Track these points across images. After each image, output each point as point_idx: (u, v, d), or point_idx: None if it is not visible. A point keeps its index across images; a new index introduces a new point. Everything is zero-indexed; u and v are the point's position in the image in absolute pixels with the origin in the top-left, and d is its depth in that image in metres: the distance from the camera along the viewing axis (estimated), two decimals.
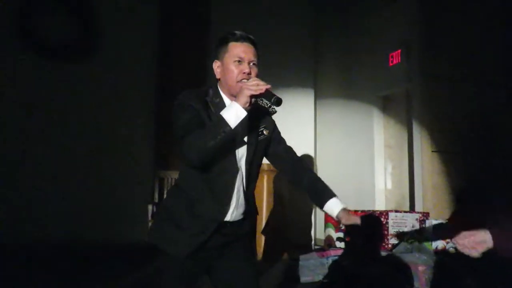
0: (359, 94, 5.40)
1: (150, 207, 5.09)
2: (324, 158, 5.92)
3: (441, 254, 3.43)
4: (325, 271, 3.39)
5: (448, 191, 4.15)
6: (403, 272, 3.32)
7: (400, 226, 3.73)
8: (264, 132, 1.88)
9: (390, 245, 3.62)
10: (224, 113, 1.61)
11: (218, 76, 1.79)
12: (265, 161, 5.10)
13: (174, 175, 5.43)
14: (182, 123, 1.65)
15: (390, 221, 3.71)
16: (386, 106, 5.17)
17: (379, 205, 4.72)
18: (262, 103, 1.81)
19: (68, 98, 5.24)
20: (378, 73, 5.03)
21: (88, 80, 5.32)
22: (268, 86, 1.63)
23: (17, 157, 5.00)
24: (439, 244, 3.52)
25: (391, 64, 4.79)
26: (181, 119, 1.66)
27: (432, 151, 4.13)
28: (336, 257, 3.41)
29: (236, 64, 1.73)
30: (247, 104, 1.63)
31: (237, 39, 1.75)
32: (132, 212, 5.08)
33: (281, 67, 5.90)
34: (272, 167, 4.90)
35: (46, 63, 5.19)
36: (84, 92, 5.30)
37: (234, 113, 1.60)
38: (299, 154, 6.28)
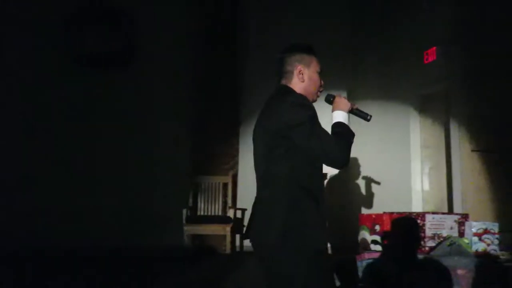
0: (396, 93, 5.28)
1: (184, 211, 5.22)
2: (357, 160, 5.79)
3: (482, 257, 3.28)
4: (359, 275, 3.32)
5: (490, 191, 3.98)
6: (442, 276, 3.21)
7: (438, 228, 3.60)
8: None
9: (427, 248, 3.50)
10: (343, 120, 1.89)
11: (301, 80, 1.90)
12: None
13: (209, 180, 5.53)
14: (317, 126, 1.76)
15: (428, 223, 3.58)
16: (424, 105, 5.03)
17: (416, 207, 4.58)
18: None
19: (106, 105, 5.48)
20: (415, 71, 4.91)
21: (125, 88, 5.55)
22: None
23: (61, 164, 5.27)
24: (480, 246, 3.38)
25: (426, 61, 4.67)
26: (315, 123, 1.76)
27: (472, 151, 3.97)
28: (371, 261, 3.33)
29: (318, 76, 1.95)
30: None
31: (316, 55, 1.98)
32: (168, 217, 5.19)
33: None
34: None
35: (88, 72, 5.52)
36: (121, 99, 5.53)
37: (347, 121, 1.91)
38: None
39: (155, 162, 5.41)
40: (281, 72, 1.93)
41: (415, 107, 5.03)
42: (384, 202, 4.52)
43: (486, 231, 3.42)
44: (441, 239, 3.52)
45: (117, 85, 5.55)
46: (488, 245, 3.37)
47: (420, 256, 3.46)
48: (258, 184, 1.83)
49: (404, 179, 4.76)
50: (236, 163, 5.83)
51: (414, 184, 4.68)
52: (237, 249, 5.47)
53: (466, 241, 3.40)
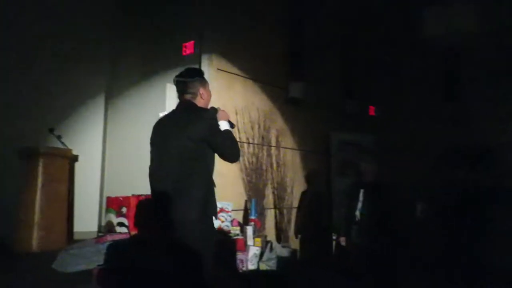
0: (155, 84, 5.37)
1: None
2: (116, 152, 5.79)
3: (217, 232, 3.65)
4: (102, 257, 3.23)
5: (229, 176, 4.48)
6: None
7: None
8: None
9: None
10: (228, 127, 2.51)
11: (203, 99, 2.59)
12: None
13: None
14: (222, 133, 2.45)
15: None
16: None
17: None
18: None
19: None
20: (174, 62, 5.08)
21: None
22: None
23: None
24: (216, 223, 3.74)
25: (184, 53, 4.91)
26: (221, 131, 2.46)
27: None
28: (113, 242, 3.29)
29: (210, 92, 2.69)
30: None
31: None
32: None
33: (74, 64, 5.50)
34: (50, 151, 4.46)
35: None
36: None
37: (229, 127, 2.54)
38: (86, 152, 5.82)
39: None
40: (185, 91, 2.57)
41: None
42: (133, 185, 4.51)
43: (222, 210, 3.82)
44: None
45: None
46: (223, 222, 3.79)
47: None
48: (174, 175, 2.41)
49: None
50: None
51: None
52: None
53: None
